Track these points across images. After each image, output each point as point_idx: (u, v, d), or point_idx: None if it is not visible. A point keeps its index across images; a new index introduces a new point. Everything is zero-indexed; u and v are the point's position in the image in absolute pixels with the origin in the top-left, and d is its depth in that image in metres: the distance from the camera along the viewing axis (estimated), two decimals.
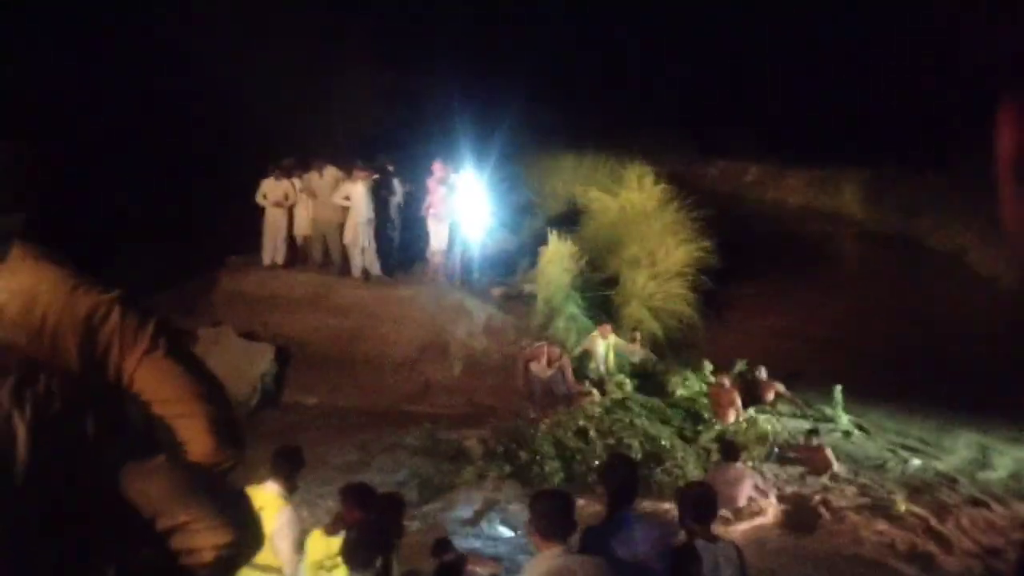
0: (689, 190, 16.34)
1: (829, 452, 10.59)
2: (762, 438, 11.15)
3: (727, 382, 12.04)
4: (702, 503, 4.66)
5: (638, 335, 13.31)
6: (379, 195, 13.58)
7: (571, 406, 11.52)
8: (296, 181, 13.69)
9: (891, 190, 19.50)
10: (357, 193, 13.09)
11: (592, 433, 10.78)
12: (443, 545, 6.96)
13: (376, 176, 13.55)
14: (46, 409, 1.47)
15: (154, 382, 1.83)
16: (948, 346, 14.26)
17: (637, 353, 13.00)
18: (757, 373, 12.74)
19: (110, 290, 1.86)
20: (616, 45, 20.91)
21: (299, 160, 13.83)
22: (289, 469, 5.27)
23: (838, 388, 12.39)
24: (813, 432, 10.98)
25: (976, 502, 9.86)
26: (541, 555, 3.90)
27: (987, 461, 11.37)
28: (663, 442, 10.69)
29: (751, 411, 12.01)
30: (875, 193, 19.85)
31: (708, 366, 13.05)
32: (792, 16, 19.29)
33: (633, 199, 16.07)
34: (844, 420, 12.20)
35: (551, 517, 4.03)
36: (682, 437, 11.10)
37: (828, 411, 12.39)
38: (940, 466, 11.10)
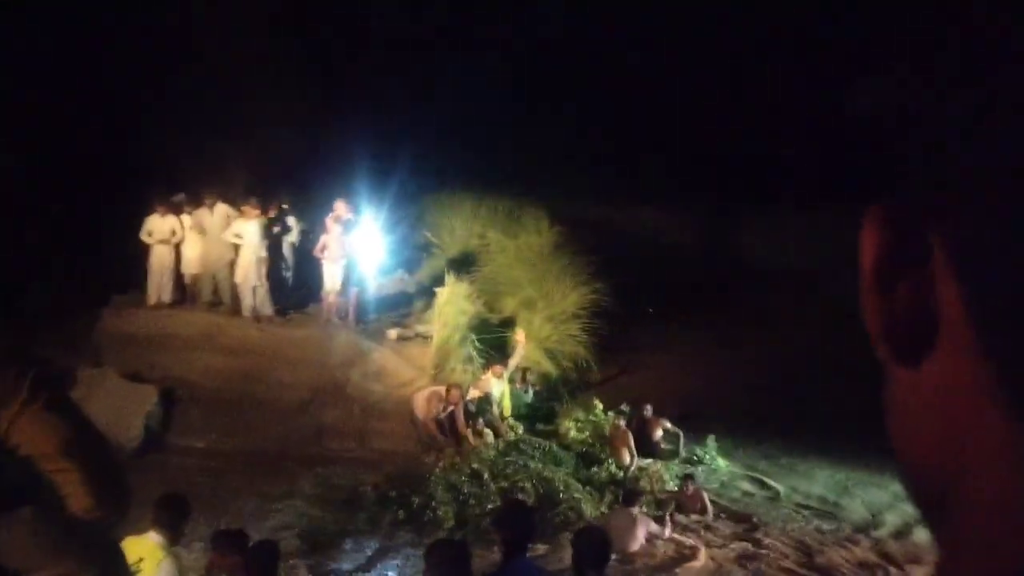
0: (589, 233, 16.54)
1: (705, 496, 10.91)
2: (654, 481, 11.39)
3: (622, 423, 12.23)
4: (597, 547, 4.68)
5: (529, 375, 13.39)
6: (272, 233, 13.33)
7: (460, 448, 11.47)
8: (185, 217, 13.32)
9: (788, 230, 20.13)
10: (249, 231, 12.83)
11: (486, 476, 10.75)
12: None
13: (270, 214, 13.32)
14: None
15: (32, 435, 1.78)
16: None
17: (527, 395, 13.11)
18: (644, 411, 12.96)
19: None
20: (520, 87, 21.15)
21: (190, 196, 13.49)
22: (171, 518, 5.05)
23: (711, 437, 13.09)
24: (690, 477, 11.27)
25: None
26: None
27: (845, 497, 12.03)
28: (557, 484, 10.72)
29: (641, 460, 12.18)
30: (773, 233, 20.45)
31: (599, 406, 13.19)
32: (697, 62, 19.93)
33: (531, 241, 16.20)
34: (719, 463, 12.74)
35: (446, 567, 4.02)
36: (576, 478, 11.15)
37: (702, 453, 12.89)
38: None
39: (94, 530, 1.68)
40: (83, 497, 1.79)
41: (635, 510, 9.67)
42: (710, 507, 10.79)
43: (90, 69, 14.92)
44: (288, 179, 16.43)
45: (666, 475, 11.92)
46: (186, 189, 14.00)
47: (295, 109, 16.88)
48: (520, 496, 10.39)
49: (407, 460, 11.58)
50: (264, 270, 13.02)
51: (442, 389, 11.75)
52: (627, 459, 12.07)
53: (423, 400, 11.64)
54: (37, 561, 1.48)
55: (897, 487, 11.98)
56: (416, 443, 11.97)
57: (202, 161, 16.17)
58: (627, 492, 10.18)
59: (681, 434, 13.06)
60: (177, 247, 13.25)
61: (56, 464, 1.79)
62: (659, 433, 12.89)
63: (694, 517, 10.65)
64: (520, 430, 12.32)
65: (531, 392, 13.27)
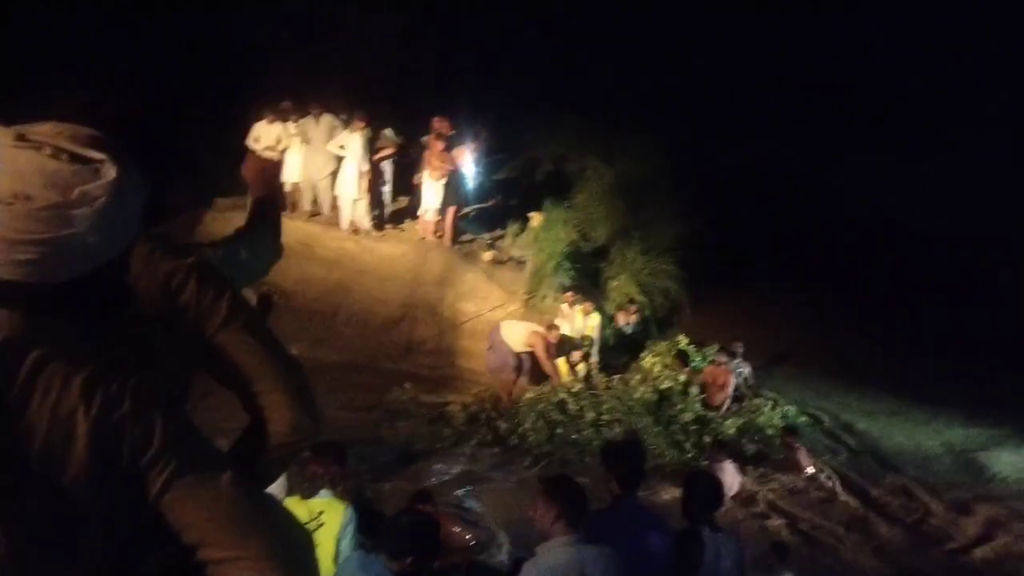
0: (686, 163, 16.07)
1: (803, 454, 10.51)
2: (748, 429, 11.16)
3: (724, 360, 12.00)
4: (710, 493, 4.63)
5: (633, 308, 13.27)
6: (374, 147, 13.29)
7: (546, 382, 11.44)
8: (290, 126, 13.35)
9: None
10: (353, 143, 12.80)
11: (573, 407, 10.75)
12: (422, 497, 6.88)
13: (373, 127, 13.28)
14: (113, 409, 1.33)
15: (232, 355, 1.75)
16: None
17: (630, 325, 13.00)
18: (734, 349, 12.59)
19: (186, 255, 1.77)
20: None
21: (296, 104, 13.48)
22: (337, 465, 5.10)
23: None
24: (790, 431, 10.91)
25: None
26: (552, 542, 3.84)
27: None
28: (641, 424, 10.67)
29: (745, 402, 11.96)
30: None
31: (682, 341, 12.94)
32: None
33: (630, 169, 15.82)
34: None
35: (568, 505, 3.96)
36: (658, 419, 11.02)
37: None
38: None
39: (279, 510, 1.61)
40: (284, 417, 1.77)
41: (729, 462, 9.57)
42: (809, 467, 10.36)
43: None
44: (387, 92, 16.33)
45: (764, 423, 11.59)
46: (291, 97, 13.99)
47: (397, 21, 16.69)
48: (606, 430, 10.46)
49: (495, 384, 11.63)
50: (365, 183, 13.01)
51: (541, 328, 11.59)
52: (720, 401, 11.87)
53: (522, 333, 11.50)
54: (223, 538, 1.40)
55: None
56: (502, 368, 11.88)
57: (305, 70, 16.17)
58: (718, 443, 10.05)
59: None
60: (281, 155, 13.30)
61: (254, 384, 1.77)
62: (746, 372, 12.60)
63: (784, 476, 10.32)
64: (598, 367, 12.19)
65: (630, 326, 13.16)
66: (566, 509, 3.91)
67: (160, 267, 1.70)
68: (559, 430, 10.34)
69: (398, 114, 15.17)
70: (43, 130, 1.36)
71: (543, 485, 4.21)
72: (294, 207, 13.73)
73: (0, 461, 1.25)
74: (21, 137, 1.33)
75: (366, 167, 12.91)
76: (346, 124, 13.05)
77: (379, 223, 13.56)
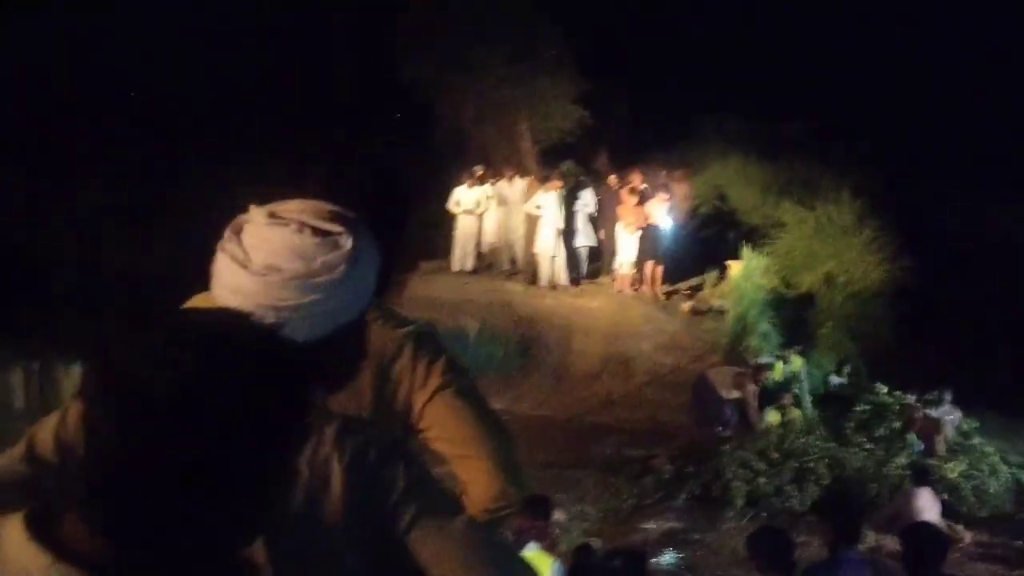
0: (886, 208, 15.38)
1: None
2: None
3: (924, 410, 11.32)
4: (933, 544, 4.32)
5: (847, 368, 12.75)
6: (570, 204, 13.53)
7: (752, 427, 11.09)
8: (487, 188, 13.83)
9: None
10: (550, 202, 13.08)
11: (775, 455, 10.38)
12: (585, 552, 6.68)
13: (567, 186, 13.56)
14: (362, 456, 1.45)
15: (443, 420, 1.80)
16: None
17: (840, 383, 12.48)
18: (943, 396, 11.74)
19: (406, 324, 1.86)
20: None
21: (491, 169, 13.98)
22: (542, 519, 5.17)
23: None
24: None
25: None
26: None
27: None
28: (851, 466, 10.18)
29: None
30: None
31: (882, 389, 12.23)
32: None
33: (830, 213, 15.28)
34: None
35: (773, 555, 3.90)
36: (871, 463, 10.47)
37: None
38: None
39: (504, 541, 1.65)
40: (490, 484, 1.78)
41: (928, 491, 8.95)
42: None
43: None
44: (576, 151, 16.62)
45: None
46: (485, 162, 14.51)
47: (581, 84, 16.97)
48: (812, 477, 10.05)
49: (696, 435, 11.38)
50: (562, 240, 13.25)
51: (746, 370, 11.34)
52: (939, 447, 11.16)
53: (729, 377, 11.28)
54: (459, 573, 1.46)
55: None
56: (705, 420, 11.65)
57: (498, 135, 16.75)
58: (919, 469, 9.49)
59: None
60: (480, 217, 13.78)
61: (462, 449, 1.80)
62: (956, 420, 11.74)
63: None
64: (812, 411, 11.73)
65: (837, 377, 12.63)
66: (759, 560, 3.83)
67: (382, 335, 1.78)
68: (762, 479, 9.98)
69: (588, 172, 15.42)
70: (291, 207, 1.51)
71: (749, 541, 4.15)
72: (492, 267, 14.13)
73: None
74: (273, 215, 1.48)
75: (561, 224, 13.14)
76: (539, 184, 13.37)
77: (576, 278, 13.71)
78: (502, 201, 13.71)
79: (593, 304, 13.35)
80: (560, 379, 13.04)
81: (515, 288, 13.63)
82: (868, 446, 10.99)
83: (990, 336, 15.18)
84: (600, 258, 14.29)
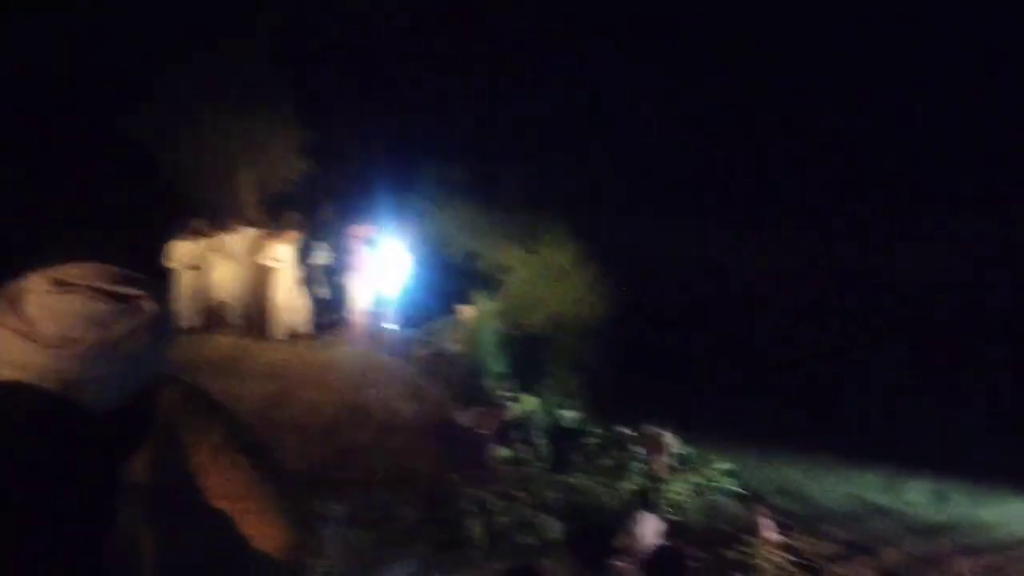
0: (604, 247, 16.46)
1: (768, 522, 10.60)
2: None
3: (664, 434, 12.20)
4: (670, 567, 4.66)
5: (577, 404, 13.36)
6: (306, 255, 13.34)
7: (490, 468, 11.38)
8: (208, 241, 13.31)
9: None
10: (287, 253, 12.81)
11: (513, 492, 10.74)
12: None
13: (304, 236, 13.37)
14: None
15: (225, 477, 1.76)
16: None
17: (570, 419, 13.06)
18: (663, 433, 12.74)
19: (176, 383, 1.79)
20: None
21: (213, 221, 13.48)
22: None
23: None
24: (759, 498, 11.10)
25: None
26: None
27: None
28: (584, 495, 10.76)
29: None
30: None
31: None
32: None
33: (551, 256, 16.09)
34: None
35: None
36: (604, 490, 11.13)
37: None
38: None
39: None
40: (278, 538, 1.76)
41: (652, 516, 9.68)
42: (774, 538, 10.32)
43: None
44: (303, 202, 16.44)
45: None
46: (207, 214, 13.99)
47: (296, 134, 16.85)
48: (550, 510, 10.51)
49: (439, 479, 11.49)
50: (303, 291, 13.02)
51: (489, 410, 11.64)
52: (662, 471, 12.04)
53: (474, 418, 11.51)
54: None
55: None
56: (448, 464, 11.84)
57: (219, 186, 16.21)
58: (643, 495, 10.47)
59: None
60: (203, 272, 13.21)
61: (250, 505, 1.76)
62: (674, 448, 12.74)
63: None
64: (545, 447, 12.26)
65: (567, 412, 13.24)
66: None
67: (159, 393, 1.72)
68: (502, 517, 10.27)
69: (315, 222, 15.28)
70: (75, 272, 1.43)
71: None
72: (222, 322, 13.57)
73: None
74: (59, 282, 1.38)
75: (300, 275, 12.92)
76: (268, 235, 13.07)
77: (312, 330, 13.49)
78: (228, 255, 13.23)
79: (328, 354, 13.17)
80: (297, 434, 12.68)
81: (246, 344, 13.16)
82: (597, 476, 11.64)
83: (705, 363, 16.61)
84: (337, 308, 14.15)
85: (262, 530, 1.74)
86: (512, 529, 10.06)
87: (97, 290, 1.39)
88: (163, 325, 1.43)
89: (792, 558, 10.01)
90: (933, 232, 19.31)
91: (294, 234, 12.96)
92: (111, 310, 1.39)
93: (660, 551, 5.43)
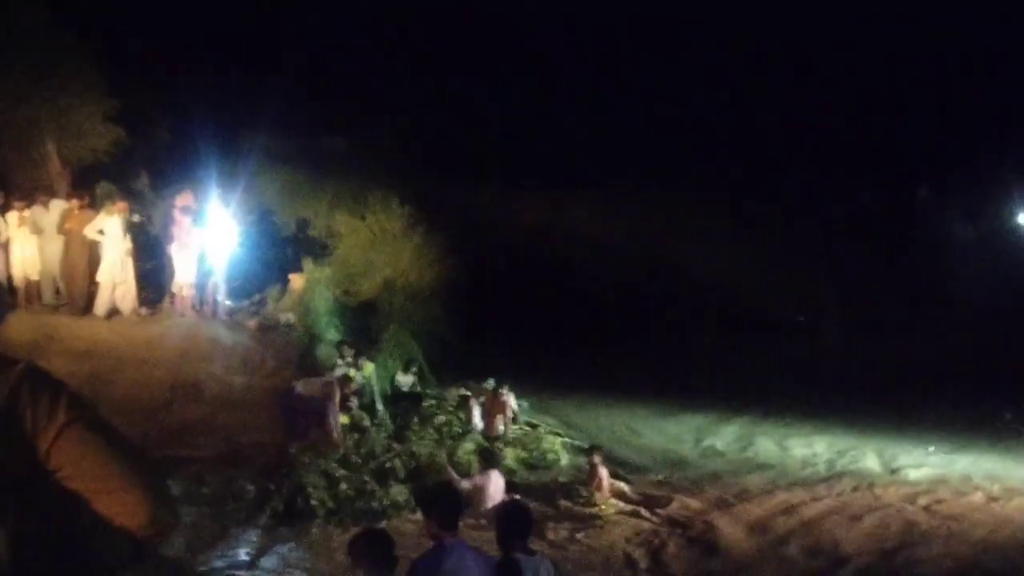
0: (430, 212, 16.57)
1: (604, 473, 11.03)
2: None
3: (502, 392, 12.50)
4: (519, 519, 4.82)
5: (414, 368, 13.43)
6: (133, 228, 12.73)
7: (330, 436, 11.35)
8: (14, 215, 12.48)
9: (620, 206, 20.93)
10: (113, 226, 12.17)
11: (355, 459, 10.78)
12: None
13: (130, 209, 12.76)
14: None
15: (75, 457, 1.72)
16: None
17: (408, 383, 13.15)
18: (501, 390, 13.07)
19: (10, 364, 1.76)
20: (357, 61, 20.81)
21: (22, 193, 12.65)
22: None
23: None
24: (597, 448, 11.49)
25: None
26: None
27: None
28: (425, 459, 10.93)
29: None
30: (604, 209, 21.20)
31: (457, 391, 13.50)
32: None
33: (381, 222, 16.05)
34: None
35: (375, 555, 4.08)
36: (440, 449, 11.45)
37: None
38: None
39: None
40: (137, 514, 1.75)
41: (497, 472, 10.02)
42: (608, 485, 10.85)
43: None
44: (110, 170, 15.66)
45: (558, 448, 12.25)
46: (9, 186, 13.14)
47: (104, 102, 15.98)
48: (392, 474, 10.61)
49: (277, 452, 11.34)
50: (130, 266, 12.43)
51: (332, 379, 11.51)
52: (500, 428, 12.37)
53: (317, 388, 11.36)
54: None
55: None
56: (283, 434, 11.68)
57: (22, 157, 15.18)
58: (485, 453, 10.58)
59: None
60: (6, 247, 12.40)
61: (103, 484, 1.74)
62: (509, 412, 13.13)
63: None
64: (385, 413, 12.35)
65: (404, 376, 13.33)
66: (362, 564, 4.04)
67: None
68: (343, 485, 10.28)
69: (128, 192, 14.62)
70: None
71: (349, 547, 4.33)
72: (32, 301, 12.80)
73: None
74: None
75: (127, 249, 12.33)
76: (88, 208, 12.40)
77: (139, 305, 12.94)
78: (36, 228, 12.45)
79: (154, 329, 12.66)
80: (126, 415, 12.16)
81: (62, 321, 12.46)
82: (435, 436, 11.83)
83: (531, 323, 17.07)
84: (162, 282, 13.59)
85: (120, 508, 1.74)
86: (355, 497, 10.08)
87: None
88: None
89: (626, 503, 10.55)
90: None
91: (122, 205, 12.34)
92: None
93: (506, 506, 5.62)
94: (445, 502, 4.71)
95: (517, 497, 9.41)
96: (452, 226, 16.32)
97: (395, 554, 4.26)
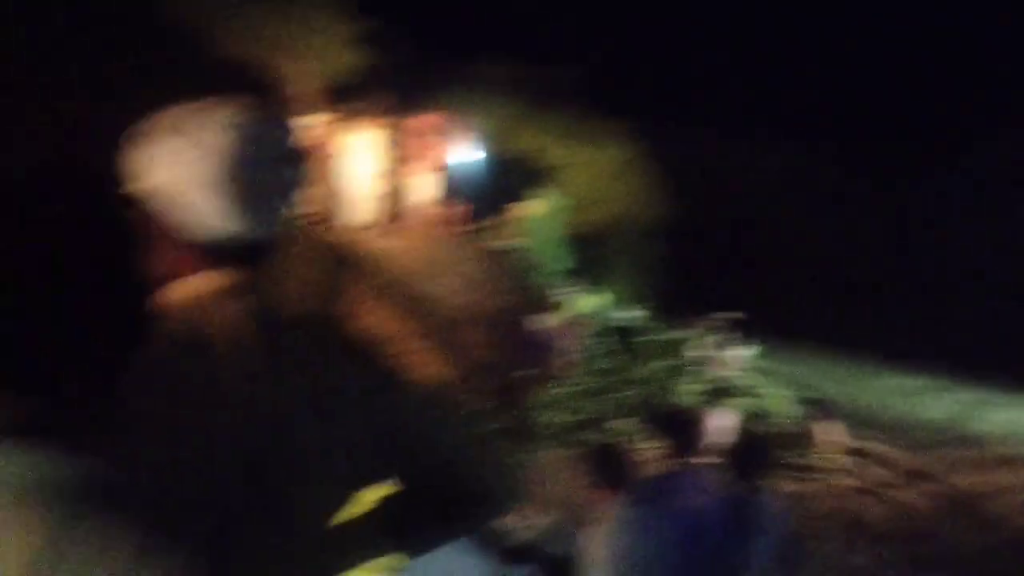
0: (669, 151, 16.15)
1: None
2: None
3: (730, 335, 12.18)
4: (754, 454, 4.66)
5: (642, 304, 13.33)
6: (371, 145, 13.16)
7: (556, 363, 11.38)
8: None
9: None
10: (362, 142, 12.66)
11: (580, 388, 10.80)
12: None
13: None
14: None
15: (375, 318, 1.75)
16: None
17: (635, 318, 13.05)
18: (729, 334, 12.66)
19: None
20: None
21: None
22: None
23: None
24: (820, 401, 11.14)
25: None
26: (602, 508, 3.94)
27: None
28: (658, 390, 10.83)
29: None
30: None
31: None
32: None
33: (611, 155, 15.88)
34: None
35: (610, 470, 4.03)
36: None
37: None
38: None
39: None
40: (437, 371, 1.73)
41: (725, 410, 9.78)
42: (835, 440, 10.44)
43: None
44: (355, 91, 16.16)
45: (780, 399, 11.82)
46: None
47: (359, 22, 16.40)
48: (616, 402, 10.59)
49: (501, 374, 11.52)
50: (373, 180, 12.92)
51: (554, 306, 11.61)
52: (725, 371, 12.07)
53: (538, 316, 11.50)
54: None
55: None
56: (514, 356, 11.81)
57: (274, 76, 15.93)
58: (717, 390, 10.48)
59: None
60: None
61: (405, 343, 1.73)
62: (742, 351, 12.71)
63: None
64: (611, 346, 12.28)
65: (627, 313, 13.24)
66: (600, 476, 4.02)
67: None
68: (569, 413, 10.35)
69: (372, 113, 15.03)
70: None
71: (585, 461, 4.33)
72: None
73: None
74: None
75: (375, 164, 12.74)
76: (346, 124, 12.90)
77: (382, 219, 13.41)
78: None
79: (399, 245, 13.12)
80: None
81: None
82: (661, 374, 11.69)
83: (759, 270, 16.49)
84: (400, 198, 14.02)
85: (422, 366, 1.71)
86: (581, 424, 10.14)
87: None
88: None
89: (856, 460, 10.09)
90: None
91: (373, 122, 12.74)
92: None
93: (744, 442, 5.43)
94: (680, 427, 4.64)
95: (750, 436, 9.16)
96: (691, 168, 15.93)
97: (627, 470, 4.21)
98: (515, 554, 7.00)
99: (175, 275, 1.30)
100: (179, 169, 1.24)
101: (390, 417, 1.35)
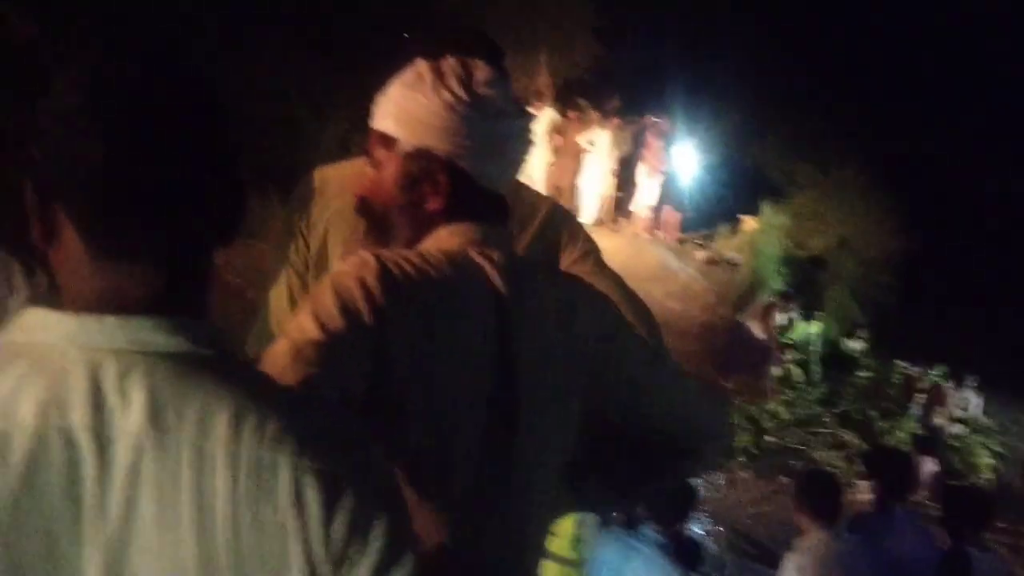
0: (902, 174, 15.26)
1: None
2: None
3: (947, 384, 11.51)
4: (978, 508, 4.38)
5: (862, 335, 12.78)
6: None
7: (762, 382, 11.05)
8: None
9: None
10: (603, 139, 12.69)
11: (783, 412, 10.48)
12: None
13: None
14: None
15: (594, 281, 1.67)
16: None
17: (853, 349, 12.57)
18: (946, 383, 11.88)
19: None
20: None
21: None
22: None
23: None
24: None
25: None
26: (811, 536, 3.74)
27: None
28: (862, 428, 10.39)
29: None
30: None
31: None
32: None
33: (844, 177, 15.19)
34: None
35: (825, 498, 3.87)
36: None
37: None
38: None
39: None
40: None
41: (931, 459, 9.22)
42: None
43: None
44: (586, 88, 16.22)
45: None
46: None
47: (597, 20, 16.43)
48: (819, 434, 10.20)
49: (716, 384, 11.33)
50: (606, 180, 12.99)
51: (768, 325, 11.33)
52: (937, 421, 11.36)
53: (762, 333, 11.26)
54: None
55: None
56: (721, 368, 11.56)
57: (514, 66, 16.27)
58: (923, 438, 9.85)
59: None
60: None
61: None
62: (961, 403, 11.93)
63: None
64: (821, 374, 11.83)
65: (849, 341, 12.74)
66: (810, 503, 3.81)
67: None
68: (769, 436, 10.05)
69: (600, 111, 15.05)
70: None
71: (796, 485, 4.19)
72: None
73: None
74: None
75: (610, 163, 12.77)
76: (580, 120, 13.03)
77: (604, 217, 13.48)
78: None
79: (610, 244, 13.16)
80: None
81: None
82: (870, 412, 11.15)
83: (996, 314, 15.33)
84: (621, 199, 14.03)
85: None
86: (780, 450, 9.84)
87: None
88: None
89: None
90: None
91: (615, 120, 12.80)
92: None
93: (964, 490, 5.13)
94: (895, 466, 4.45)
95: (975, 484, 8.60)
96: (920, 192, 15.01)
97: (841, 502, 4.08)
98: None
99: (438, 223, 1.33)
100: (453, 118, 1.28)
101: (620, 357, 1.35)
